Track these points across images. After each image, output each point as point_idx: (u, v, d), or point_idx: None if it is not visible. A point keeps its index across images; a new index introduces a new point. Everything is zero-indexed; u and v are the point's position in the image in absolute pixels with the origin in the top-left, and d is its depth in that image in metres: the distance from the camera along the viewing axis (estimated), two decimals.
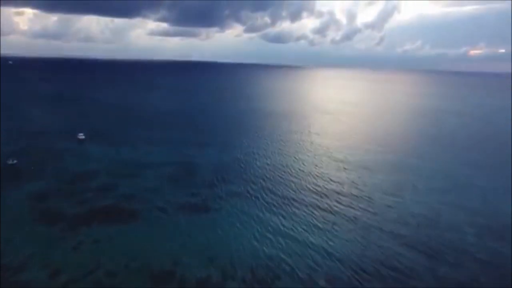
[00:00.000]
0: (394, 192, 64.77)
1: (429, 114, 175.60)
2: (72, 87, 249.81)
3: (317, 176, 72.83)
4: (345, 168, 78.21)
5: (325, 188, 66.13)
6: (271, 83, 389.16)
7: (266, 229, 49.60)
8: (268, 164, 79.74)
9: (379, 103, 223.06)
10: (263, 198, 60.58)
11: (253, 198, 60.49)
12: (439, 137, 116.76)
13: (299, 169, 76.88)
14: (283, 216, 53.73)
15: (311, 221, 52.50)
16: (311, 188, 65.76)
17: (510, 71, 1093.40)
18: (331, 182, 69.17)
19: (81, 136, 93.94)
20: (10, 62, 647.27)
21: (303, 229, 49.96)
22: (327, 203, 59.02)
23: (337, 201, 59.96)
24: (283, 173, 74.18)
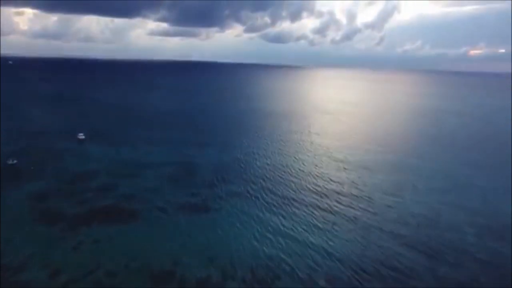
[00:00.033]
0: (394, 192, 64.77)
1: (429, 114, 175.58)
2: (72, 87, 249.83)
3: (317, 176, 72.83)
4: (345, 168, 78.21)
5: (325, 188, 66.14)
6: (271, 83, 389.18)
7: (266, 229, 49.60)
8: (268, 164, 79.74)
9: (379, 103, 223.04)
10: (263, 198, 60.58)
11: (253, 198, 60.49)
12: (439, 137, 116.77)
13: (299, 169, 76.88)
14: (283, 216, 53.73)
15: (311, 221, 52.51)
16: (311, 188, 65.76)
17: (510, 71, 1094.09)
18: (331, 182, 69.17)
19: (81, 136, 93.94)
20: (10, 62, 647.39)
21: (303, 229, 49.96)
22: (327, 203, 59.03)
23: (337, 201, 59.96)
24: (283, 173, 74.18)
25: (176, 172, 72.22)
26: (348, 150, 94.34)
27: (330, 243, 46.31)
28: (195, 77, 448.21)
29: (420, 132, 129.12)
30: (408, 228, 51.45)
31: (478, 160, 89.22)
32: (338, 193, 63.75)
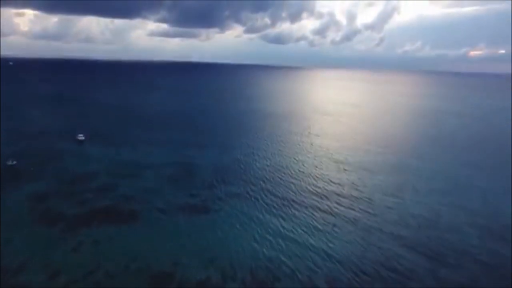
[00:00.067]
0: (394, 193, 64.73)
1: (429, 115, 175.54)
2: (72, 87, 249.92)
3: (317, 177, 72.78)
4: (345, 169, 78.17)
5: (325, 189, 66.08)
6: (271, 84, 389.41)
7: (266, 230, 49.53)
8: (267, 165, 79.70)
9: (379, 104, 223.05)
10: (263, 199, 60.52)
11: (253, 199, 60.44)
12: (439, 138, 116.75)
13: (299, 170, 76.84)
14: (283, 218, 53.66)
15: (311, 222, 52.44)
16: (311, 190, 65.71)
17: (510, 72, 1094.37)
18: (331, 183, 69.12)
19: (80, 136, 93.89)
20: (11, 63, 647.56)
21: (303, 230, 49.90)
22: (327, 205, 58.97)
23: (337, 203, 59.91)
24: (283, 174, 74.12)
25: (176, 173, 72.18)
26: (348, 151, 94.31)
27: (330, 244, 46.24)
28: (195, 78, 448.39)
29: (420, 133, 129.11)
30: (408, 229, 51.39)
31: (478, 161, 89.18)
32: (338, 194, 63.70)
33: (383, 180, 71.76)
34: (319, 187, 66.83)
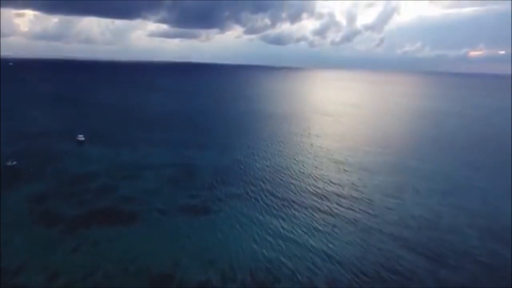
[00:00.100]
0: (395, 194, 64.67)
1: (429, 115, 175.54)
2: (72, 88, 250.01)
3: (317, 178, 72.73)
4: (345, 170, 78.12)
5: (325, 190, 66.03)
6: (271, 85, 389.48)
7: (266, 231, 49.47)
8: (268, 166, 79.65)
9: (379, 104, 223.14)
10: (263, 200, 60.46)
11: (253, 200, 60.38)
12: (439, 139, 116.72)
13: (299, 171, 76.79)
14: (283, 219, 53.60)
15: (311, 223, 52.38)
16: (311, 190, 65.65)
17: (510, 72, 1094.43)
18: (331, 184, 69.06)
19: (80, 137, 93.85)
20: (11, 63, 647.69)
21: (303, 231, 49.84)
22: (327, 205, 58.91)
23: (337, 203, 59.84)
24: (283, 175, 74.07)
25: (176, 173, 72.13)
26: (348, 151, 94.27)
27: (330, 245, 46.17)
28: (195, 78, 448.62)
29: (420, 134, 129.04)
30: (409, 230, 51.33)
31: (478, 161, 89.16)
32: (338, 195, 63.65)
33: (383, 181, 71.71)
34: (319, 188, 66.78)
